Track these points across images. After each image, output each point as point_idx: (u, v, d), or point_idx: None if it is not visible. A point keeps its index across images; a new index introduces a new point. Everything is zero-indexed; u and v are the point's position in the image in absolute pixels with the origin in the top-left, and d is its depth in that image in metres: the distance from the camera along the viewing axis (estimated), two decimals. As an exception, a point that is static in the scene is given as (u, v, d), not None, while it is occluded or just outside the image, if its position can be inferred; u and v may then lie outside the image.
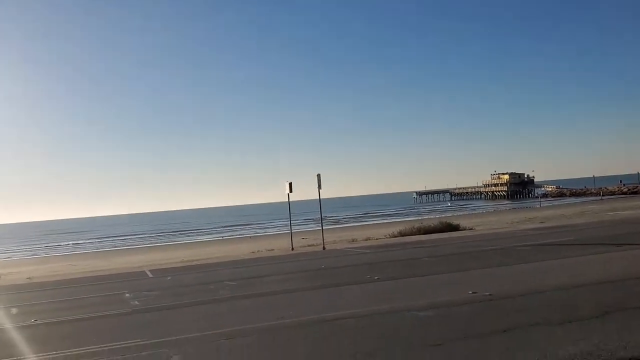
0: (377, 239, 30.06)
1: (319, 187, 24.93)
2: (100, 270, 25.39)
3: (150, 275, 19.33)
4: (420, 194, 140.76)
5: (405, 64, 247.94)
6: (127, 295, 14.46)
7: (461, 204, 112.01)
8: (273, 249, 30.70)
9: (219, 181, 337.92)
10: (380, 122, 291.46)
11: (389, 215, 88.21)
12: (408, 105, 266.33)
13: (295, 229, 72.68)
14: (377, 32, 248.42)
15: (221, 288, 14.35)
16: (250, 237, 63.84)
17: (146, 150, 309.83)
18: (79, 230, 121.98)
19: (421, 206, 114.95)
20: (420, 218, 69.74)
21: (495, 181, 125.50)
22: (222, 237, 68.77)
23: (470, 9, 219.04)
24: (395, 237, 30.50)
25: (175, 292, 14.33)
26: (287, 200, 26.17)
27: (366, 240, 29.29)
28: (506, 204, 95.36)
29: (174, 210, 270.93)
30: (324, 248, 24.22)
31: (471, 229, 31.89)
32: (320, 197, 25.50)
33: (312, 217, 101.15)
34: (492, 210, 72.27)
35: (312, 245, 28.14)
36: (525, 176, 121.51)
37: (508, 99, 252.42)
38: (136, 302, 12.99)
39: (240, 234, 71.57)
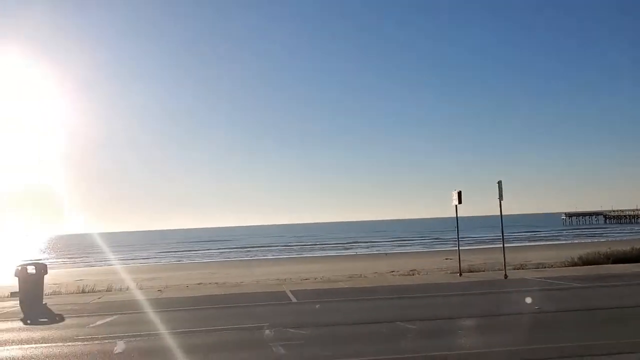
0: (552, 265, 23.83)
1: (500, 197, 19.54)
2: (237, 284, 22.17)
3: (293, 299, 15.28)
4: (569, 215, 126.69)
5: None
6: (267, 332, 10.42)
7: (619, 228, 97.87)
8: (427, 272, 25.71)
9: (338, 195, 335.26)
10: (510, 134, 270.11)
11: (539, 237, 78.55)
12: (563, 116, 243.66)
13: (421, 248, 68.79)
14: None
15: (398, 334, 9.82)
16: (386, 253, 59.54)
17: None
18: (217, 239, 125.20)
19: (572, 229, 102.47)
20: (578, 242, 61.07)
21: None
22: (356, 252, 65.03)
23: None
24: (577, 264, 23.97)
25: (332, 335, 10.02)
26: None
27: (541, 268, 23.23)
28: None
29: (292, 224, 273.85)
30: (505, 276, 18.73)
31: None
32: (501, 211, 20.05)
33: (426, 236, 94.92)
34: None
35: (477, 270, 22.67)
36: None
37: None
38: (280, 349, 8.85)
39: (368, 250, 67.32)
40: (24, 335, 11.39)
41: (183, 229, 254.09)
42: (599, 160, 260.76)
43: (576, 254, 26.27)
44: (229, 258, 62.36)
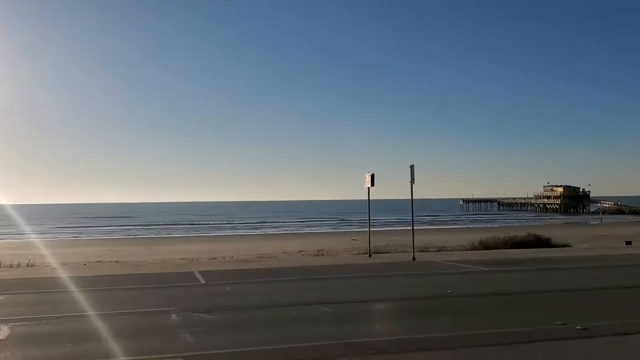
0: (454, 248, 24.64)
1: (412, 181, 19.71)
2: (141, 263, 20.86)
3: (202, 281, 14.44)
4: (466, 201, 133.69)
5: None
6: (174, 317, 9.60)
7: (511, 214, 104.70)
8: (336, 253, 25.72)
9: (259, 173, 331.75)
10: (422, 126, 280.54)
11: (439, 221, 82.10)
12: (460, 106, 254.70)
13: (328, 229, 69.58)
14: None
15: (315, 318, 9.40)
16: (294, 233, 59.50)
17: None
18: (120, 215, 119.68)
19: (469, 214, 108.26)
20: (475, 227, 64.45)
21: (548, 193, 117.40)
22: (265, 232, 64.53)
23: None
24: (477, 248, 24.95)
25: (244, 320, 9.39)
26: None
27: (444, 250, 23.94)
28: (561, 217, 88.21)
29: (213, 202, 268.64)
30: (414, 258, 18.94)
31: (565, 245, 26.24)
32: (413, 195, 20.25)
33: (333, 217, 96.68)
34: (557, 224, 65.87)
35: (384, 251, 22.84)
36: (581, 190, 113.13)
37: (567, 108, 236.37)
38: (188, 337, 8.11)
39: (281, 230, 67.15)
40: None
41: (91, 204, 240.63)
42: (493, 150, 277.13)
43: (475, 238, 27.38)
44: (131, 235, 59.59)
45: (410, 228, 21.69)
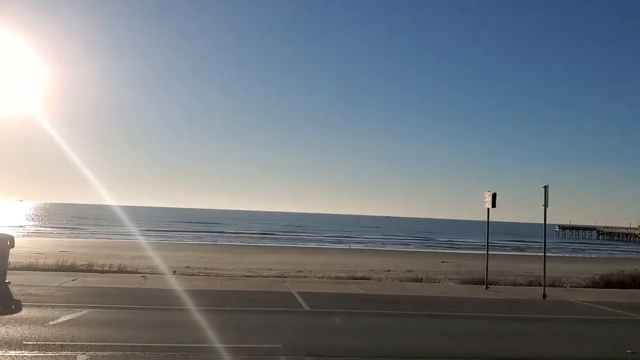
0: (570, 284, 21.13)
1: (546, 204, 16.79)
2: (231, 275, 19.37)
3: (305, 306, 12.42)
4: (563, 227, 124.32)
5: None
6: (284, 361, 7.61)
7: (613, 245, 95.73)
8: (433, 278, 22.91)
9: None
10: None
11: (535, 248, 76.07)
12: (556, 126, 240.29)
13: (412, 247, 66.07)
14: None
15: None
16: (378, 250, 56.97)
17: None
18: (204, 221, 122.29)
19: (567, 242, 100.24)
20: (578, 257, 58.82)
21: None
22: (349, 246, 62.35)
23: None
24: (599, 285, 21.17)
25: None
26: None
27: (558, 285, 20.51)
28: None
29: (295, 212, 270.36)
30: (544, 296, 15.95)
31: None
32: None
33: (416, 236, 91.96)
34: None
35: (496, 282, 19.73)
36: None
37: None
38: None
39: (363, 246, 64.64)
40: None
41: (183, 208, 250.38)
42: (591, 175, 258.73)
43: (585, 269, 23.73)
44: (218, 242, 59.64)
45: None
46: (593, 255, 58.64)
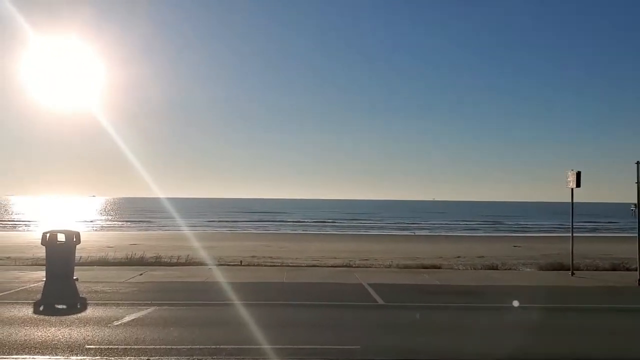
0: None
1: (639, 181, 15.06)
2: (296, 263, 18.74)
3: (380, 300, 11.46)
4: (638, 206, 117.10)
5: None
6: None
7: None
8: (510, 265, 21.29)
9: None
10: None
11: (613, 229, 71.71)
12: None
13: (480, 232, 63.39)
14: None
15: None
16: (445, 236, 55.12)
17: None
18: (265, 211, 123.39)
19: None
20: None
21: None
22: (414, 232, 60.76)
23: None
24: None
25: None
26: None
27: None
28: None
29: (352, 200, 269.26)
30: (642, 283, 14.30)
31: None
32: None
33: (482, 220, 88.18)
34: None
35: (585, 268, 18.03)
36: None
37: None
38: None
39: (428, 232, 62.75)
40: (16, 333, 8.12)
41: (238, 199, 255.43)
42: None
43: None
44: (281, 230, 59.64)
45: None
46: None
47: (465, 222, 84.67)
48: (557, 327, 9.22)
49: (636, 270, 16.94)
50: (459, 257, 29.37)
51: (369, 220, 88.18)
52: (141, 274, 15.00)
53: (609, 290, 13.83)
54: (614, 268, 18.34)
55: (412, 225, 75.87)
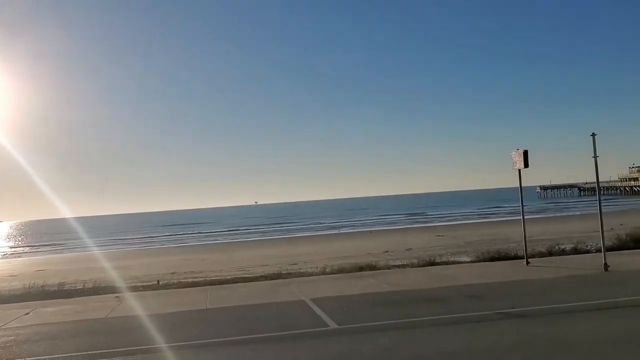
0: (593, 246, 18.16)
1: (595, 153, 13.60)
2: (221, 278, 15.96)
3: (331, 323, 8.95)
4: (544, 188, 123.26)
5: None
6: None
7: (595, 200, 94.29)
8: (447, 258, 19.81)
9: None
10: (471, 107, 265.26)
11: (528, 211, 73.76)
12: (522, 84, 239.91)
13: (407, 224, 62.90)
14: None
15: None
16: (370, 231, 54.01)
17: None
18: (190, 222, 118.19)
19: (550, 202, 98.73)
20: (573, 215, 56.81)
21: (636, 175, 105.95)
22: (339, 231, 59.15)
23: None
24: (628, 245, 18.27)
25: None
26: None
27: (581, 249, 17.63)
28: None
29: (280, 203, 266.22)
30: (606, 267, 12.83)
31: None
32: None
33: (402, 212, 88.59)
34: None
35: (538, 254, 16.74)
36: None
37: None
38: None
39: (352, 229, 61.55)
40: None
41: (164, 211, 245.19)
42: (563, 132, 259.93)
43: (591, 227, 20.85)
44: (203, 242, 56.11)
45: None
46: (590, 212, 56.58)
47: (389, 216, 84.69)
48: (561, 340, 7.21)
49: (594, 253, 15.84)
50: (387, 251, 27.92)
51: (287, 223, 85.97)
52: (27, 314, 11.75)
53: (571, 278, 12.22)
54: (561, 252, 17.14)
55: (337, 223, 74.46)
